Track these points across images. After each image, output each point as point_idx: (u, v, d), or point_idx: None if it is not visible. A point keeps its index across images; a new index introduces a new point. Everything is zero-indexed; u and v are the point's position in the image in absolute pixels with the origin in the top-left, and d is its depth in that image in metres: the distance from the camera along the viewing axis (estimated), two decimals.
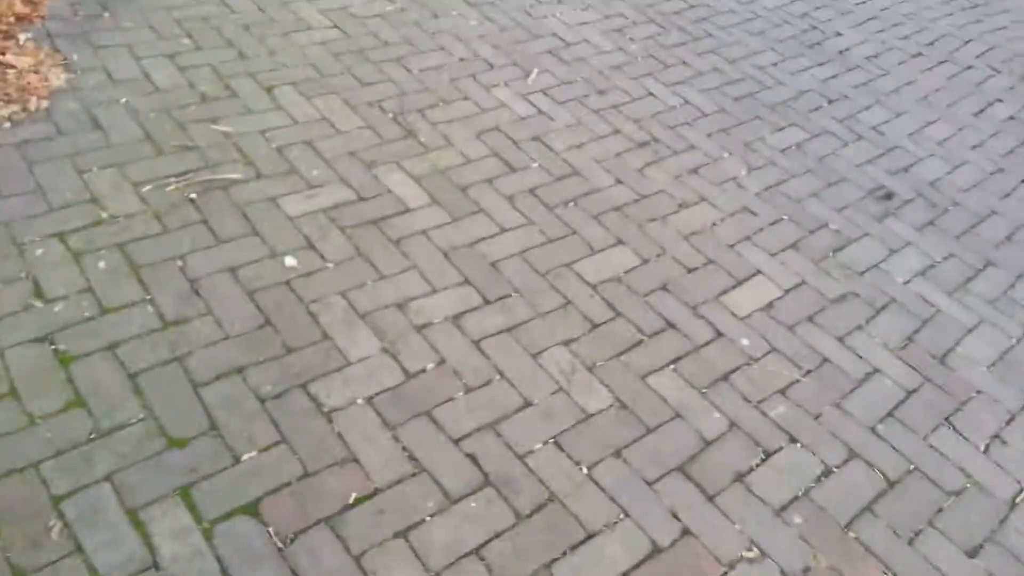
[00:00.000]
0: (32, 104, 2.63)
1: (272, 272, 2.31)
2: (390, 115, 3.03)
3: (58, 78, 2.77)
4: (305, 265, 2.35)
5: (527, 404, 2.12)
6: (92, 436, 1.83)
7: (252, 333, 2.13)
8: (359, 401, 2.03)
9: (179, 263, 2.27)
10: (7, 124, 2.57)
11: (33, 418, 1.84)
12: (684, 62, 3.78)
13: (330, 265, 2.38)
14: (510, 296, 2.41)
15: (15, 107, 2.60)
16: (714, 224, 2.89)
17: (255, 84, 3.01)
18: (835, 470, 2.16)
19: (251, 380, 2.02)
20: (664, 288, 2.57)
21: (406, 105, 3.10)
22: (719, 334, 2.46)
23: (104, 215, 2.37)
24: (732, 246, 2.81)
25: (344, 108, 3.00)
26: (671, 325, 2.45)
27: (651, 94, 3.50)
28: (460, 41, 3.56)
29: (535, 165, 2.95)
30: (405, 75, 3.26)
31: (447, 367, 2.16)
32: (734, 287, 2.64)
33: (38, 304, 2.08)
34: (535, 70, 3.48)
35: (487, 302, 2.38)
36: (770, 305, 2.61)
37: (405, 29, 3.56)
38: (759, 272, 2.73)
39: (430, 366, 2.16)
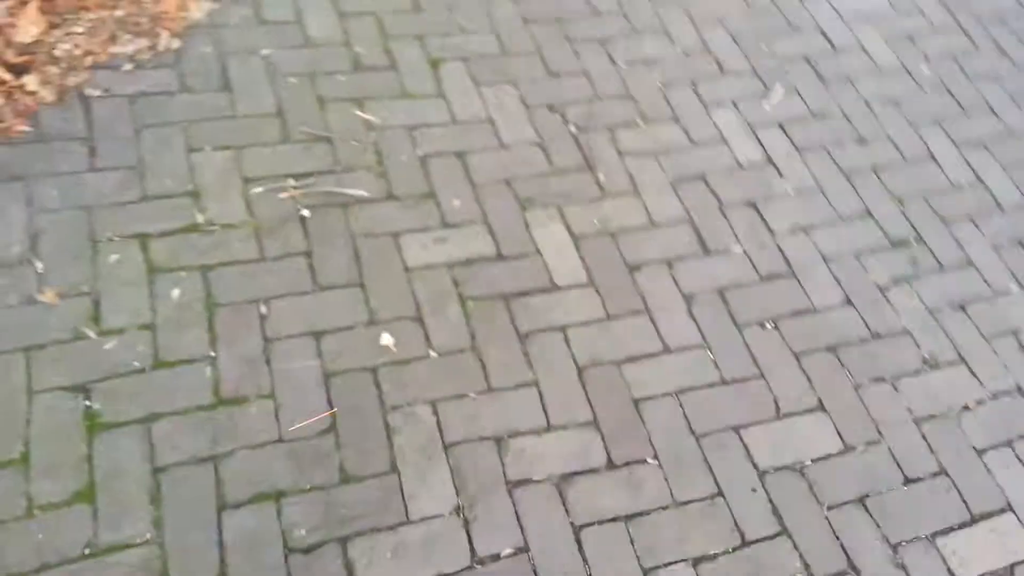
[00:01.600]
0: (162, 42, 2.15)
1: (362, 349, 1.79)
2: (571, 127, 2.29)
3: (200, 8, 2.25)
4: (404, 348, 1.80)
5: None
6: (86, 551, 1.46)
7: (310, 440, 1.65)
8: None
9: (263, 309, 1.80)
10: (128, 66, 2.11)
11: (32, 505, 1.50)
12: (991, 108, 2.65)
13: (434, 355, 1.81)
14: (643, 462, 1.75)
15: (143, 43, 2.13)
16: (966, 408, 1.98)
17: (420, 52, 2.35)
18: None
19: (287, 516, 1.56)
20: (862, 501, 1.79)
21: (594, 116, 2.33)
22: None
23: (200, 219, 1.91)
24: (981, 453, 1.91)
25: (518, 107, 2.29)
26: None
27: (932, 156, 2.47)
28: (691, 23, 2.65)
29: (737, 250, 2.14)
30: (606, 67, 2.46)
31: (533, 552, 1.59)
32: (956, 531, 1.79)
33: (91, 334, 1.70)
34: (778, 87, 2.53)
35: (611, 464, 1.74)
36: None
37: None
38: (1005, 510, 1.84)
39: (507, 551, 1.59)
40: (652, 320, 1.97)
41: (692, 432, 1.81)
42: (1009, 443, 1.93)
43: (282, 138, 2.09)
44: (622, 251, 2.07)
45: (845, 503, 1.78)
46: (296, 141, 2.09)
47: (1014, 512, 1.83)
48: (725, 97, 2.49)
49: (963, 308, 2.16)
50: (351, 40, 2.34)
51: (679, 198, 2.21)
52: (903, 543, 1.75)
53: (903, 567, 1.72)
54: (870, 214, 2.29)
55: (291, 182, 2.00)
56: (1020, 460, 1.91)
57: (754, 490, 1.76)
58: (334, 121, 2.15)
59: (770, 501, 1.75)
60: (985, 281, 2.22)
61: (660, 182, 2.23)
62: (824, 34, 2.75)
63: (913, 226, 2.29)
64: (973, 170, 2.47)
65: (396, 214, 2.01)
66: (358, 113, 2.17)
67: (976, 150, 2.53)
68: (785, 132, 2.44)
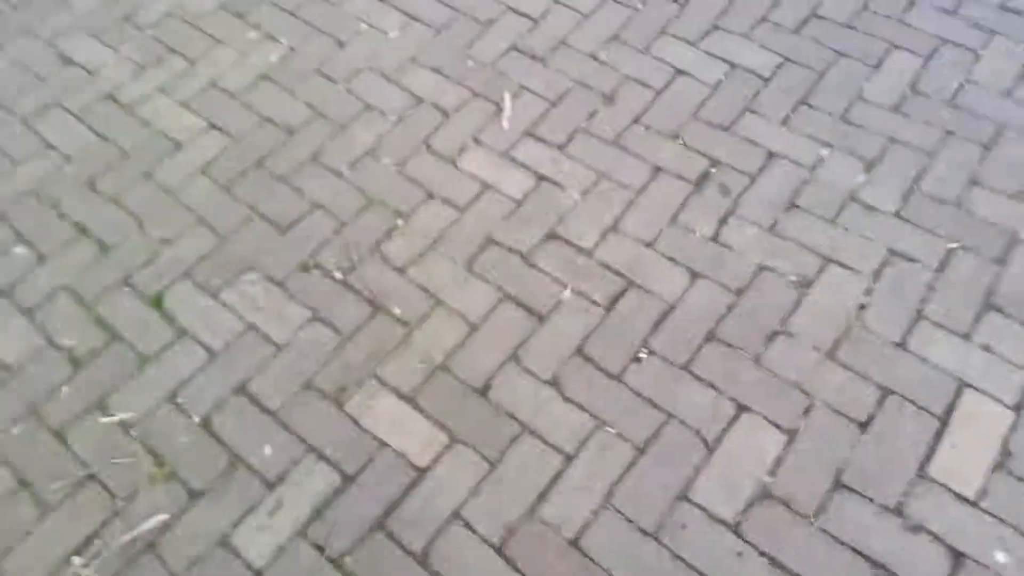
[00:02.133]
0: None
1: None
2: (337, 275, 1.86)
3: None
4: None
5: None
6: None
7: None
8: None
9: None
10: None
11: None
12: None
13: None
14: None
15: None
16: (861, 307, 1.70)
17: (135, 298, 1.84)
18: None
19: None
20: (839, 481, 1.50)
21: (351, 246, 1.91)
22: None
23: None
24: (901, 345, 1.64)
25: (270, 292, 1.83)
26: None
27: (678, 71, 2.17)
28: (385, 79, 2.23)
29: (567, 293, 1.78)
30: (334, 184, 2.02)
31: None
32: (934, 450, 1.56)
33: None
34: (506, 96, 2.16)
35: None
36: None
37: (306, 87, 2.23)
38: (962, 389, 1.62)
39: None
40: (534, 433, 1.56)
41: (644, 532, 1.45)
42: (919, 314, 1.69)
43: (40, 512, 1.54)
44: (462, 378, 1.67)
45: (834, 491, 1.47)
46: (57, 506, 1.54)
47: (971, 387, 1.58)
48: (466, 139, 2.09)
49: (794, 205, 1.87)
50: (54, 337, 1.80)
51: (483, 279, 1.82)
52: (904, 498, 1.47)
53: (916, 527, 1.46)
54: (659, 169, 1.94)
55: (77, 561, 1.50)
56: (938, 325, 1.66)
57: (740, 554, 1.44)
58: (84, 449, 1.60)
59: (760, 554, 1.43)
60: (795, 161, 1.92)
61: (455, 274, 1.83)
62: (520, 13, 2.39)
63: (703, 152, 1.96)
64: (725, 59, 2.20)
65: (210, 513, 1.51)
66: (105, 421, 1.67)
67: (712, 39, 2.26)
68: (536, 138, 2.10)
